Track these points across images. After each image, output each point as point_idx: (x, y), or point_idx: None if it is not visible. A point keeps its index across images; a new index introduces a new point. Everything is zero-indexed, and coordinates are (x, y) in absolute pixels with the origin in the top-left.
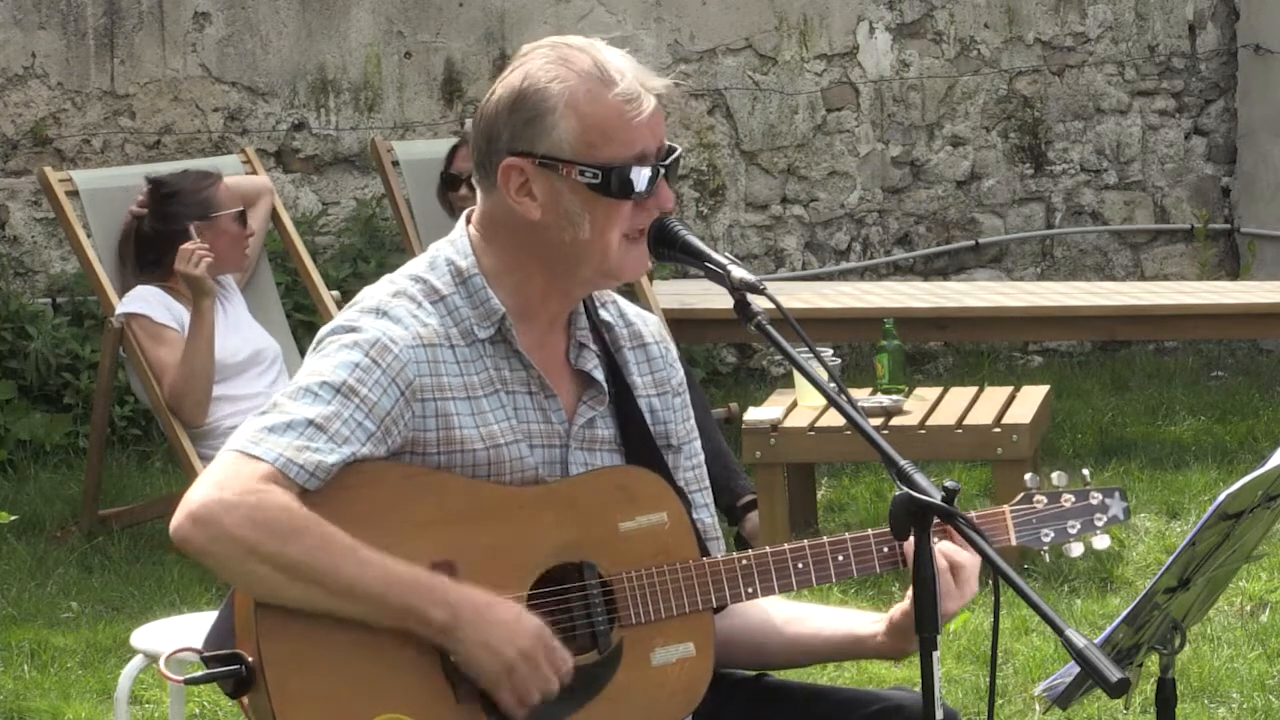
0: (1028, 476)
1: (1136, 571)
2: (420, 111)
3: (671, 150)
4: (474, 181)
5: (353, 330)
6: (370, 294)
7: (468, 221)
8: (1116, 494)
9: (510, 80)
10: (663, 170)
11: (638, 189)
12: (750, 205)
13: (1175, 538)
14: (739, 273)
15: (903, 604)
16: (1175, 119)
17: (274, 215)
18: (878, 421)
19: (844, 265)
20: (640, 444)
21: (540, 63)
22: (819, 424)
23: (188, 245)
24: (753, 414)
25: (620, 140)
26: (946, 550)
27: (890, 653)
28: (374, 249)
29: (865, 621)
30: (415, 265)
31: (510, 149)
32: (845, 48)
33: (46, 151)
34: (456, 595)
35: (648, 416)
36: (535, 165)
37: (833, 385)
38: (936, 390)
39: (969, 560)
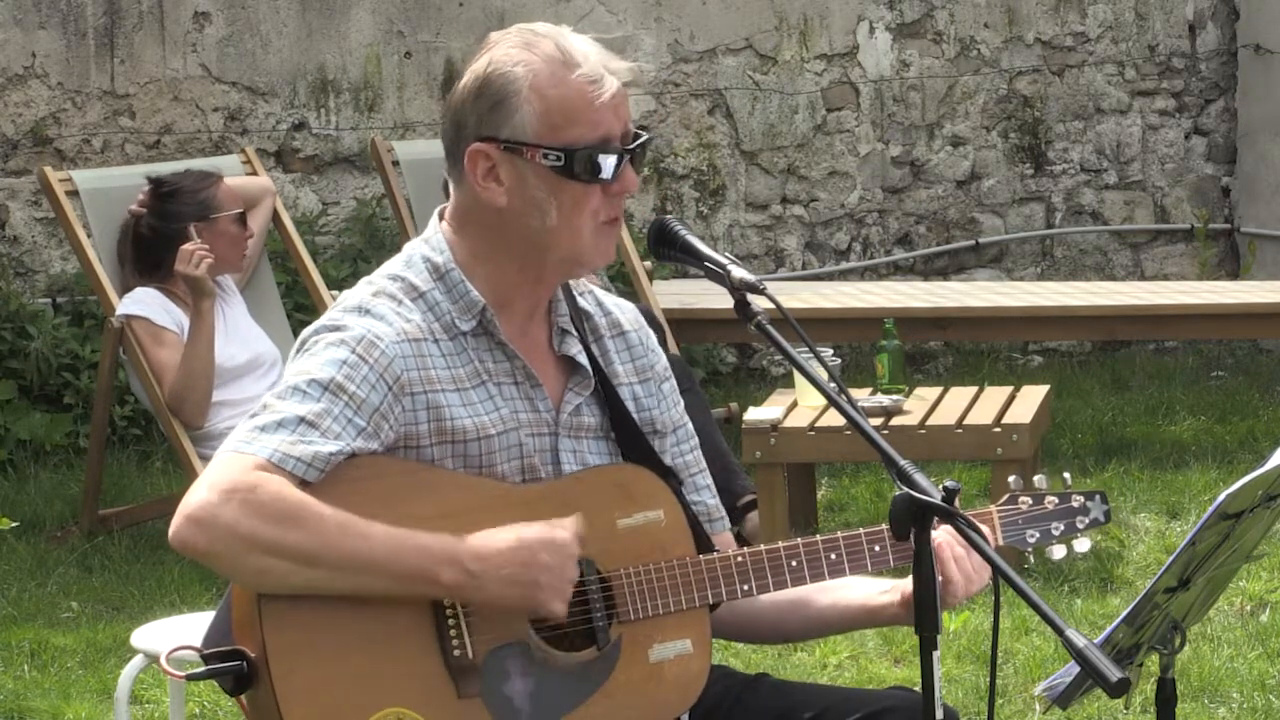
0: (1011, 479)
1: (1136, 571)
2: (420, 111)
3: (639, 134)
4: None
5: (338, 329)
6: (351, 295)
7: (440, 218)
8: (1098, 497)
9: (476, 67)
10: (628, 155)
11: (602, 172)
12: (750, 205)
13: (1175, 538)
14: (739, 273)
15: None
16: (1175, 119)
17: (274, 215)
18: (878, 421)
19: (844, 265)
20: (626, 432)
21: (505, 48)
22: (819, 424)
23: (188, 246)
24: (753, 414)
25: (583, 122)
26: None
27: (907, 620)
28: (374, 249)
29: (876, 591)
30: (392, 265)
31: (477, 134)
32: (845, 48)
33: (46, 151)
34: (461, 550)
35: (631, 405)
36: (500, 150)
37: (833, 385)
38: (936, 390)
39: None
